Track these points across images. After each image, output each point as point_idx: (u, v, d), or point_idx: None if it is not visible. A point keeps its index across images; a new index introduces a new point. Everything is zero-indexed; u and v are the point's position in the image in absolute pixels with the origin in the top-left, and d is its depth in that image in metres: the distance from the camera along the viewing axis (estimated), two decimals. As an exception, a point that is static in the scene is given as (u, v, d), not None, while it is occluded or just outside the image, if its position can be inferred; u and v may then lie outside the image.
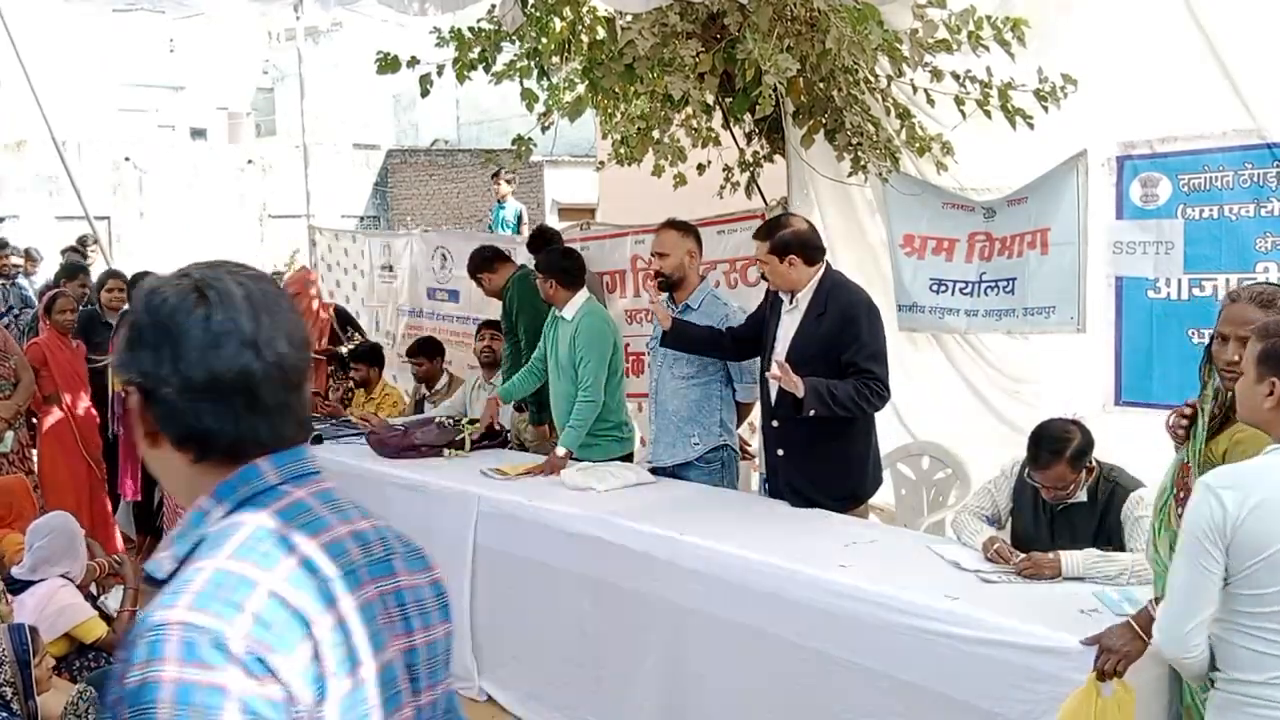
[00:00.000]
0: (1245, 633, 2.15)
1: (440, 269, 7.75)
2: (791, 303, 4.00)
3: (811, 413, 3.71)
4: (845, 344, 3.80)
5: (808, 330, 3.92)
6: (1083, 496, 3.41)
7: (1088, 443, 3.36)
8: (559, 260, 4.84)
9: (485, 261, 5.80)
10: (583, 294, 4.78)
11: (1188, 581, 2.17)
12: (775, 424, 4.05)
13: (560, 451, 4.54)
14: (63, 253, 9.23)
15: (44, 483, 5.69)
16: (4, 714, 3.02)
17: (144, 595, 3.99)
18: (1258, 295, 2.56)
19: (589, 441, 4.64)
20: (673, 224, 4.59)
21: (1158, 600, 2.53)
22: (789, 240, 3.93)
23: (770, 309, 4.16)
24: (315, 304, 7.07)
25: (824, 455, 3.94)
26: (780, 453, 4.04)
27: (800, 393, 3.69)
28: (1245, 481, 2.13)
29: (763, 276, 4.12)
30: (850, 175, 4.82)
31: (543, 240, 6.05)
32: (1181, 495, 2.56)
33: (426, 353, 6.37)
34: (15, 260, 9.06)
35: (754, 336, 4.24)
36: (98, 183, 21.91)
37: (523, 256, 6.17)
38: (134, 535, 6.41)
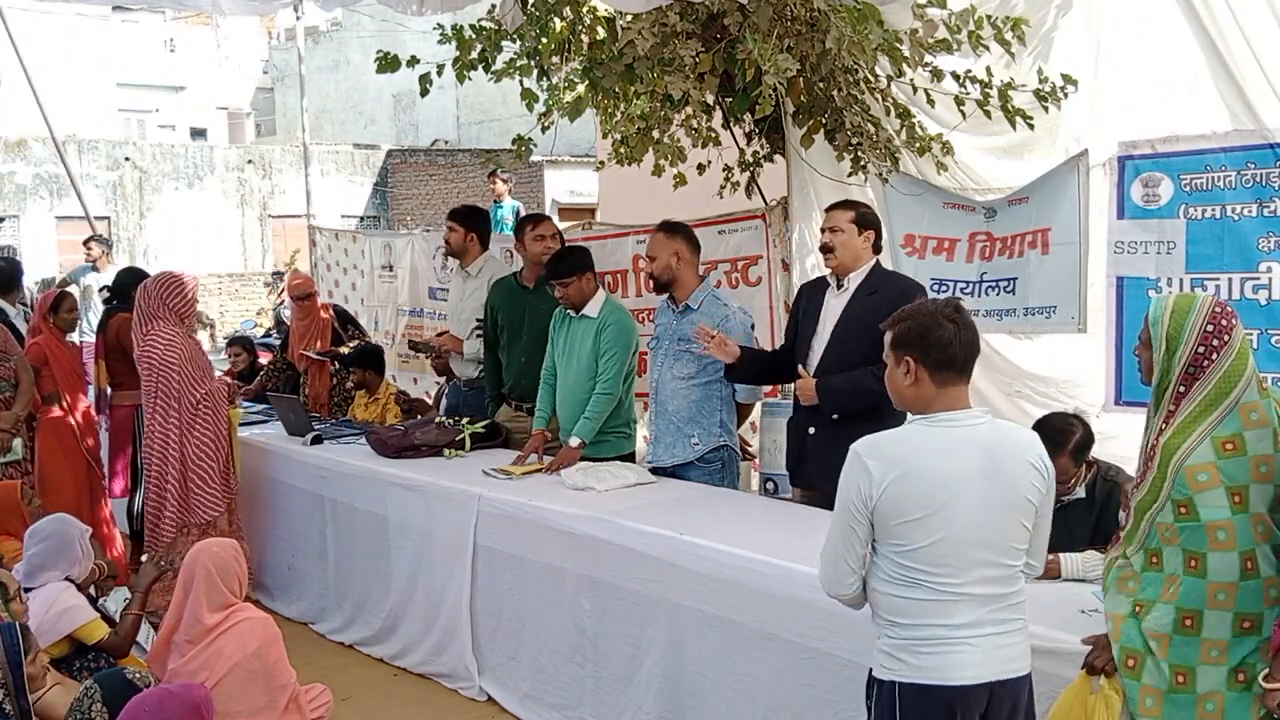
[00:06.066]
0: (899, 582, 2.41)
1: (442, 269, 7.73)
2: (840, 286, 4.05)
3: (835, 417, 3.89)
4: None
5: (855, 309, 3.96)
6: (1081, 493, 3.42)
7: (1089, 437, 3.40)
8: (572, 258, 4.64)
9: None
10: (602, 292, 4.77)
11: (840, 535, 2.48)
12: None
13: (574, 442, 4.51)
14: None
15: (43, 483, 5.66)
16: None
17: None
18: None
19: (599, 438, 4.62)
20: (661, 225, 4.57)
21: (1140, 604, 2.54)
22: (874, 219, 4.06)
23: (807, 303, 4.18)
24: (322, 311, 7.05)
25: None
26: (811, 430, 4.06)
27: (816, 401, 3.88)
28: (887, 452, 2.42)
29: (822, 248, 4.11)
30: (850, 175, 4.83)
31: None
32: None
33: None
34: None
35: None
36: (98, 183, 21.96)
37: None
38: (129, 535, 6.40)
